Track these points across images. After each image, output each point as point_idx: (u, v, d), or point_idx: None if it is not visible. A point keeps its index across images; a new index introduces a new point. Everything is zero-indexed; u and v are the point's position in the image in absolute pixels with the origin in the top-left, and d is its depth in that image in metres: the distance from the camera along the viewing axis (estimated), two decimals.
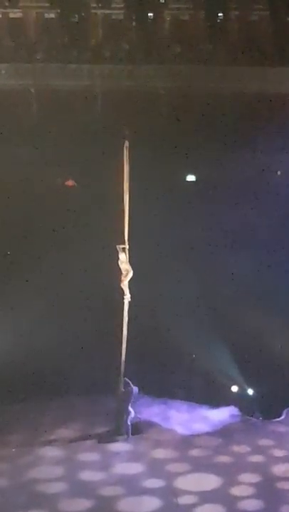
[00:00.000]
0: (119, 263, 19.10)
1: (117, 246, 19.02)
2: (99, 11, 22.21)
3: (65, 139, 20.69)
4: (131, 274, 19.19)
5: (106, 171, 21.13)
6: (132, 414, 18.89)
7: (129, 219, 18.65)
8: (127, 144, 18.64)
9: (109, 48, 21.51)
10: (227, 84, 21.46)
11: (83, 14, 21.68)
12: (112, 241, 19.75)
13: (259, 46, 21.83)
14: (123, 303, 19.12)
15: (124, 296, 19.17)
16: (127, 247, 19.03)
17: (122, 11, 22.27)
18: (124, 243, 19.01)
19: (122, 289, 19.15)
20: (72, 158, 21.07)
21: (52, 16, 21.65)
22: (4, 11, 21.30)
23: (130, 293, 19.12)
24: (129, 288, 19.16)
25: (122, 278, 19.15)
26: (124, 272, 19.09)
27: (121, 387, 19.19)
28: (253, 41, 21.72)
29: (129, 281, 19.20)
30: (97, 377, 21.47)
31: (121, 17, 22.09)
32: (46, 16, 21.40)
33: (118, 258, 19.10)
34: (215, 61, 21.56)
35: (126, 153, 18.63)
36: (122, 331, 19.06)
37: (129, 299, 19.18)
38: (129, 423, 18.80)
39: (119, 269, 19.03)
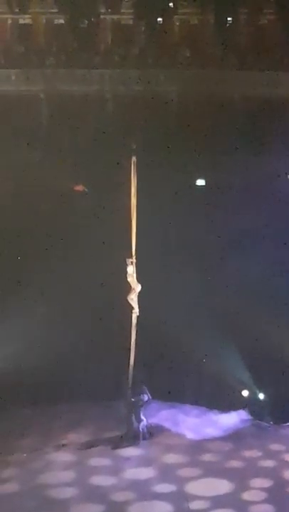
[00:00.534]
0: (127, 276, 19.07)
1: (126, 259, 19.00)
2: (108, 16, 22.24)
3: (74, 144, 20.73)
4: (139, 289, 19.14)
5: (115, 176, 21.19)
6: (145, 421, 18.70)
7: (136, 232, 18.74)
8: (134, 159, 18.73)
9: (118, 52, 21.56)
10: (237, 88, 21.44)
11: (92, 19, 21.72)
12: (122, 246, 19.80)
13: (268, 50, 21.82)
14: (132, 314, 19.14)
15: (133, 311, 19.13)
16: (134, 260, 19.02)
17: (131, 16, 22.28)
18: (131, 257, 19.02)
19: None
20: (82, 162, 21.09)
21: (61, 21, 21.68)
22: (14, 16, 21.34)
23: (139, 301, 19.05)
24: (139, 292, 19.13)
25: (130, 292, 19.10)
26: (132, 286, 19.04)
27: (129, 393, 19.09)
28: (263, 45, 21.72)
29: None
30: (107, 382, 21.44)
31: (130, 22, 22.12)
32: (56, 21, 21.44)
33: (126, 272, 19.08)
34: (224, 65, 21.56)
35: (133, 168, 18.70)
36: (130, 343, 19.04)
37: (138, 313, 19.14)
38: (141, 430, 18.63)
39: (128, 283, 18.98)
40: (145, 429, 18.73)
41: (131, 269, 19.00)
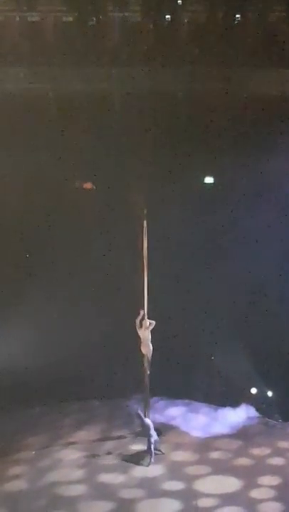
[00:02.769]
0: (137, 327, 19.23)
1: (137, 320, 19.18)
2: (116, 14, 22.17)
3: (82, 142, 20.70)
4: (153, 324, 19.26)
5: (124, 174, 21.22)
6: (155, 438, 18.48)
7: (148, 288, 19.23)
8: (145, 223, 19.02)
9: (126, 50, 21.46)
10: (246, 86, 21.34)
11: (101, 17, 21.65)
12: (132, 242, 19.87)
13: (278, 48, 21.69)
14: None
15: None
16: (150, 322, 19.27)
17: (139, 14, 22.18)
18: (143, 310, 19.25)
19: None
20: (91, 161, 21.10)
21: (70, 19, 21.61)
22: (23, 14, 21.30)
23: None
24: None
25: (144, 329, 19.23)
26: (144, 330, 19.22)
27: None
28: (272, 43, 21.58)
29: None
30: (117, 381, 21.54)
31: (138, 19, 22.01)
32: (64, 19, 21.38)
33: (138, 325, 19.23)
34: (233, 63, 21.45)
35: (144, 230, 19.06)
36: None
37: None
38: (152, 449, 18.33)
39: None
40: (157, 447, 18.55)
41: (146, 323, 19.18)
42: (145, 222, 19.43)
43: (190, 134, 20.88)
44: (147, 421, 18.60)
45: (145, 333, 19.12)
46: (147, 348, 19.15)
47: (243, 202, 21.29)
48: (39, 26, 20.88)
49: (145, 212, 19.36)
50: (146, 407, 19.36)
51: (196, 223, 21.16)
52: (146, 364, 19.25)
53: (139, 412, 18.92)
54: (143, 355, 19.29)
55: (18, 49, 20.26)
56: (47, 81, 20.66)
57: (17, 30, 20.67)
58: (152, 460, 18.07)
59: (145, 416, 18.89)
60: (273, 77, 21.54)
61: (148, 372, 19.28)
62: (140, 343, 19.25)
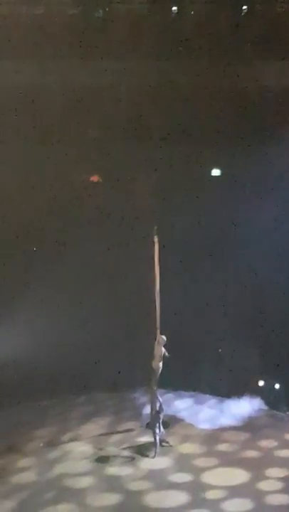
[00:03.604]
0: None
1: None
2: (122, 6, 22.10)
3: (89, 136, 20.74)
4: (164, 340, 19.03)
5: (130, 167, 21.25)
6: (161, 431, 18.49)
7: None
8: (156, 239, 18.90)
9: (133, 43, 21.39)
10: (252, 78, 21.30)
11: (107, 9, 21.59)
12: (139, 234, 19.87)
13: (285, 39, 21.61)
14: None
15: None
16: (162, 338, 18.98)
17: (146, 6, 22.12)
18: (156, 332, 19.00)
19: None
20: (97, 154, 21.14)
21: (75, 11, 21.56)
22: (28, 6, 21.27)
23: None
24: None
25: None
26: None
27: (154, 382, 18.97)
28: (279, 35, 21.50)
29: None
30: (124, 373, 21.57)
31: (145, 12, 21.95)
32: (70, 12, 21.33)
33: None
34: (240, 55, 21.40)
35: (157, 248, 18.88)
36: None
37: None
38: (157, 440, 18.30)
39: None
40: (162, 438, 18.51)
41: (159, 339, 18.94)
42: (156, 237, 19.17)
43: (198, 127, 20.88)
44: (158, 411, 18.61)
45: (158, 349, 18.85)
46: (158, 364, 18.78)
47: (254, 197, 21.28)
48: (44, 19, 20.82)
49: (156, 228, 19.15)
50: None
51: (205, 215, 21.21)
52: (153, 380, 18.78)
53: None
54: (152, 371, 18.83)
55: (24, 41, 20.21)
56: (52, 74, 20.67)
57: (23, 23, 20.61)
58: (157, 451, 18.06)
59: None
60: (281, 69, 21.52)
61: (155, 388, 18.84)
62: (153, 358, 18.88)
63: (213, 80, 21.07)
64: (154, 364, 18.77)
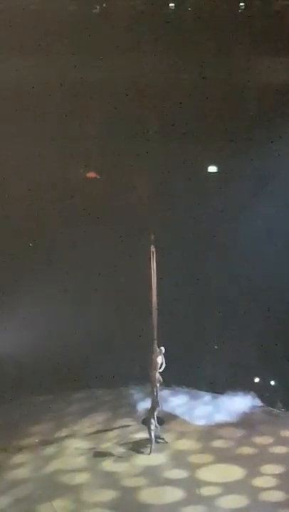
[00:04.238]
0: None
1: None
2: (120, 2, 22.09)
3: (86, 131, 20.76)
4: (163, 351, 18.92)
5: (129, 162, 21.25)
6: (155, 425, 18.43)
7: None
8: (153, 249, 18.82)
9: (131, 38, 21.38)
10: (251, 74, 21.29)
11: (104, 5, 21.58)
12: (136, 229, 19.88)
13: (283, 36, 21.60)
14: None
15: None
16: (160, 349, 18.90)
17: (144, 1, 22.11)
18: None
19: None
20: (95, 150, 21.16)
21: (74, 7, 21.54)
22: (26, 2, 21.24)
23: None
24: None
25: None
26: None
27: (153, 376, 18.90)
28: (277, 31, 21.49)
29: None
30: (121, 369, 21.59)
31: (142, 8, 21.93)
32: (69, 8, 21.30)
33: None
34: (239, 51, 21.39)
35: (153, 259, 18.81)
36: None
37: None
38: (153, 437, 18.29)
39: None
40: (158, 434, 18.54)
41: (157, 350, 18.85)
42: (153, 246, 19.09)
43: (196, 123, 20.88)
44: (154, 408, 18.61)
45: (155, 360, 18.76)
46: (156, 374, 18.68)
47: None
48: (42, 14, 20.78)
49: (152, 237, 19.10)
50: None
51: (201, 209, 21.23)
52: (154, 392, 18.69)
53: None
54: (152, 383, 18.72)
55: (21, 38, 20.18)
56: (50, 70, 20.65)
57: (21, 18, 20.57)
58: (153, 447, 18.10)
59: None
60: (279, 65, 21.51)
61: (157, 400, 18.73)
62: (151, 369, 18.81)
63: (213, 75, 21.07)
64: (151, 375, 18.73)
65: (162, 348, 18.95)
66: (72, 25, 20.90)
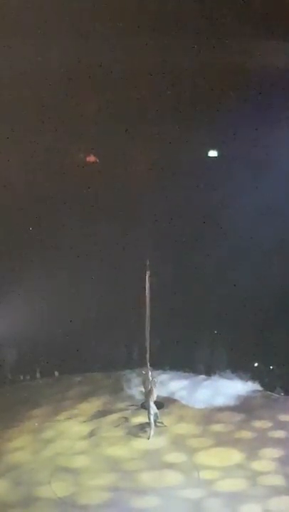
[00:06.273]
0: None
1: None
2: None
3: (88, 116, 20.70)
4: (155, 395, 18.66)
5: (130, 148, 21.21)
6: (155, 410, 18.39)
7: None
8: (148, 273, 18.80)
9: (131, 22, 21.26)
10: (252, 58, 21.19)
11: None
12: (135, 214, 19.86)
13: (285, 19, 21.48)
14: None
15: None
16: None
17: None
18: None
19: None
20: (96, 135, 21.11)
21: None
22: None
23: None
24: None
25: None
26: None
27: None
28: (279, 14, 21.36)
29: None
30: (120, 353, 21.63)
31: None
32: None
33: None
34: (240, 34, 21.26)
35: (148, 282, 18.80)
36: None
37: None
38: (152, 421, 18.24)
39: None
40: (157, 419, 18.54)
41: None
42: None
43: (198, 105, 20.82)
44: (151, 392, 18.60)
45: (147, 387, 18.67)
46: (150, 402, 18.41)
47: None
48: None
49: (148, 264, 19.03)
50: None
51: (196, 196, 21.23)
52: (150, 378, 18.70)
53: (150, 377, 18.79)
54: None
55: (21, 21, 20.07)
56: (52, 53, 20.56)
57: (20, 3, 20.45)
58: (152, 432, 18.15)
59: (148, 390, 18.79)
60: (280, 48, 21.41)
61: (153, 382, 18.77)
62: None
63: (213, 59, 20.98)
64: (145, 402, 18.63)
65: (155, 380, 18.92)
66: (73, 8, 20.74)
